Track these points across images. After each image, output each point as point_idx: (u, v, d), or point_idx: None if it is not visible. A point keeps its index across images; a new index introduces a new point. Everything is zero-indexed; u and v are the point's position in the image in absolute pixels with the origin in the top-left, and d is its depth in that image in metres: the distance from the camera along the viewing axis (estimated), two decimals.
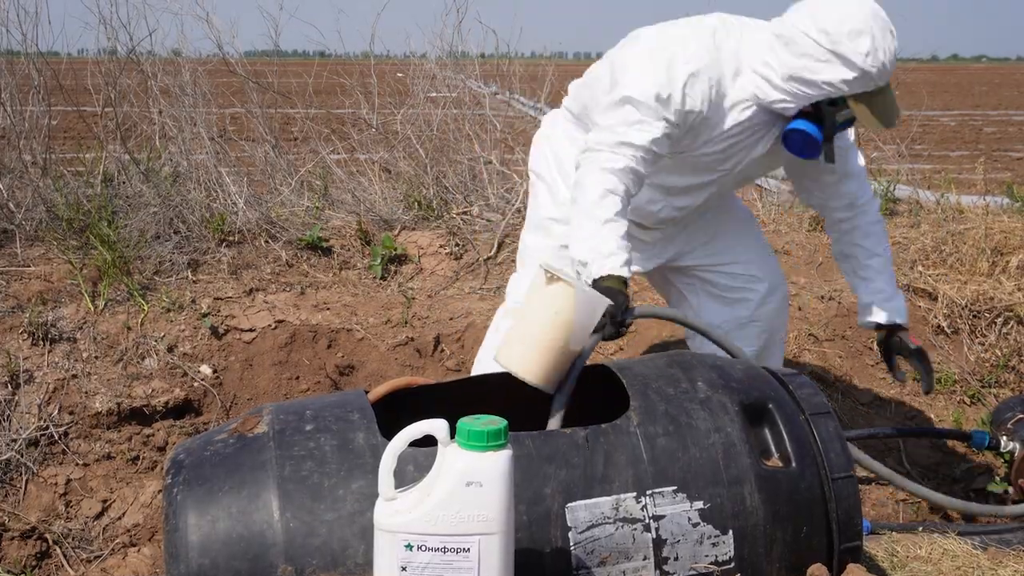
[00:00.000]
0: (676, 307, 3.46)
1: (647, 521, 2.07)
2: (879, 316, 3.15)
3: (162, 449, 3.77)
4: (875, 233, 3.15)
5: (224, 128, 5.40)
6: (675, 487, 2.10)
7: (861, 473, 3.81)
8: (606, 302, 2.44)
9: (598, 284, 2.58)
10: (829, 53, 2.66)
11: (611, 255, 2.58)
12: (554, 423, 2.35)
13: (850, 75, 2.67)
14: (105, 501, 3.65)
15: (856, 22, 2.65)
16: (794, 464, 2.19)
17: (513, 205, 4.97)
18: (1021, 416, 3.74)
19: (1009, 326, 4.54)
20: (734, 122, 2.85)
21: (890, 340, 3.20)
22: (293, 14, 6.09)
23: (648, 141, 2.72)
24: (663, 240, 3.26)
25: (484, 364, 3.28)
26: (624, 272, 2.61)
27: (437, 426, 1.85)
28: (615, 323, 2.54)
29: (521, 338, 2.40)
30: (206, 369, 3.92)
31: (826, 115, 2.79)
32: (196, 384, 3.88)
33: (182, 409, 3.86)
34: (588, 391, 2.44)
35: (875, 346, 4.00)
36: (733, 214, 3.36)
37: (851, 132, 3.08)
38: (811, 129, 2.79)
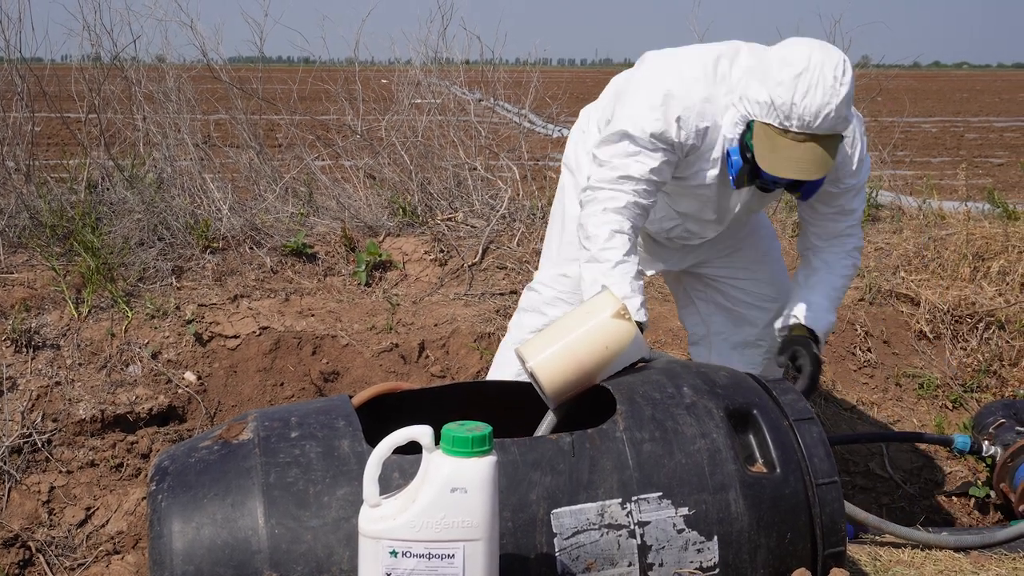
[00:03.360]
0: (682, 309, 3.44)
1: (632, 527, 2.07)
2: (809, 321, 2.97)
3: (146, 456, 3.75)
4: (844, 265, 3.04)
5: (208, 134, 5.39)
6: (660, 493, 2.10)
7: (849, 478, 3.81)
8: (646, 353, 2.43)
9: None
10: (764, 74, 2.61)
11: (625, 299, 2.49)
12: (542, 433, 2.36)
13: (762, 97, 2.59)
14: (89, 508, 3.63)
15: (802, 66, 2.54)
16: (778, 470, 2.19)
17: (498, 211, 4.97)
18: (1003, 421, 3.77)
19: (990, 331, 4.57)
20: (722, 151, 2.79)
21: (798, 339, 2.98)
22: (278, 20, 6.09)
23: (647, 172, 2.71)
24: (683, 249, 3.24)
25: (505, 359, 3.29)
26: (641, 317, 2.57)
27: (422, 432, 1.85)
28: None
29: (558, 349, 2.35)
30: (190, 376, 3.91)
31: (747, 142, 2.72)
32: (180, 391, 3.87)
33: (166, 416, 3.85)
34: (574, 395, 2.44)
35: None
36: (759, 232, 3.32)
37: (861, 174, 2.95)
38: (733, 152, 2.73)
